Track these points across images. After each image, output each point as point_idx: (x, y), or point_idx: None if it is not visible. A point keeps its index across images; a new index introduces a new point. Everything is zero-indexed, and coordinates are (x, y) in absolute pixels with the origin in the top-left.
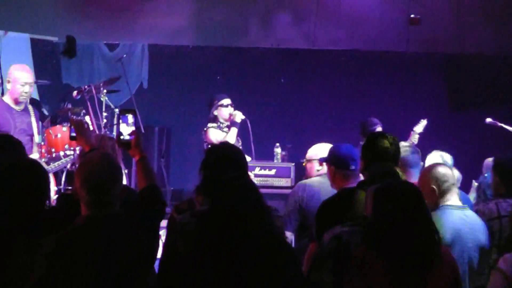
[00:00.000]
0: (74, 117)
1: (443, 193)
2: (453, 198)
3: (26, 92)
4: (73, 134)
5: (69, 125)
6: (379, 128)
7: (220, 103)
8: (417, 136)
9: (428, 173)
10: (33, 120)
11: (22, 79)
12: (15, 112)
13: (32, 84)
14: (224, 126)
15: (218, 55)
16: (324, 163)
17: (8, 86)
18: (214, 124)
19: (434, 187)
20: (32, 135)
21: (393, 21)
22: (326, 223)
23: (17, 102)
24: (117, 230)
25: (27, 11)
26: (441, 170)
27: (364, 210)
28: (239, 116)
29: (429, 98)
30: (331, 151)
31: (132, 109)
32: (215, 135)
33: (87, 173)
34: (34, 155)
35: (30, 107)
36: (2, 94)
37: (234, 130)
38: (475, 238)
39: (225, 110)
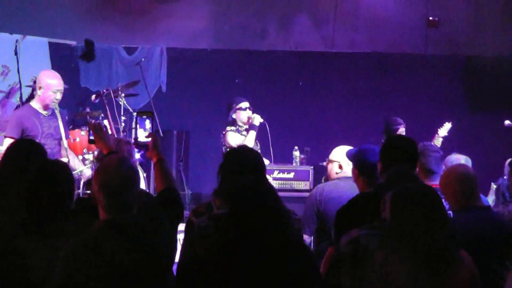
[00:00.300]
0: (93, 120)
1: (466, 194)
2: (476, 199)
3: (57, 99)
4: (92, 138)
5: (87, 129)
6: (402, 128)
7: (238, 106)
8: (440, 140)
9: (451, 174)
10: (61, 124)
11: (54, 86)
12: (42, 117)
13: (62, 91)
14: (243, 129)
15: (236, 58)
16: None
17: (39, 92)
18: (233, 128)
19: (457, 188)
20: (60, 139)
21: (412, 24)
22: (344, 227)
23: (46, 108)
24: (135, 234)
25: (45, 15)
26: (464, 171)
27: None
28: (257, 120)
29: (448, 100)
30: (357, 155)
31: (150, 112)
32: (233, 138)
33: (105, 177)
34: (64, 160)
35: (57, 112)
36: (21, 98)
37: (252, 134)
38: (499, 239)
39: (244, 113)
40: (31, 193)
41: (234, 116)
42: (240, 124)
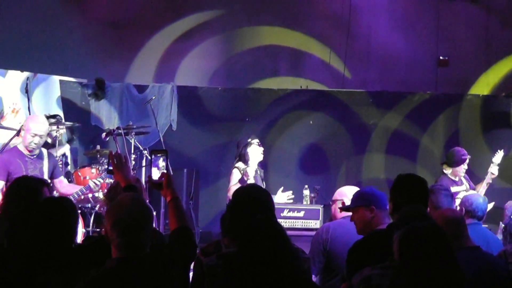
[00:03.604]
0: (114, 151)
1: (454, 236)
2: (464, 240)
3: (35, 143)
4: (110, 168)
5: (97, 166)
6: (467, 159)
7: (252, 141)
8: (496, 168)
9: (438, 218)
10: (45, 163)
11: (33, 130)
12: (27, 159)
13: (43, 136)
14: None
15: (247, 97)
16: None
17: (22, 133)
18: (241, 165)
19: (446, 231)
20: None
21: (422, 63)
22: (357, 265)
23: (28, 150)
24: (148, 273)
25: (56, 53)
26: (451, 214)
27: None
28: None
29: (460, 138)
30: (370, 194)
31: (164, 150)
32: (235, 178)
33: (118, 216)
34: None
35: (44, 152)
36: None
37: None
38: (488, 278)
39: (258, 149)
40: (34, 230)
41: (248, 150)
42: (251, 161)
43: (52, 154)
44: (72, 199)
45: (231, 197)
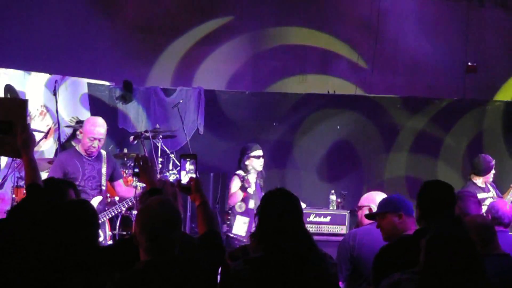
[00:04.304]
0: (141, 154)
1: (484, 242)
2: (494, 247)
3: (94, 147)
4: (136, 170)
5: (124, 169)
6: (493, 165)
7: (252, 154)
8: None
9: (469, 224)
10: (104, 166)
11: (90, 134)
12: (85, 160)
13: (102, 138)
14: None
15: (274, 101)
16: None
17: (79, 136)
18: (241, 173)
19: (475, 237)
20: (101, 182)
21: (450, 69)
22: (383, 270)
23: (86, 153)
24: (176, 276)
25: (84, 56)
26: (481, 221)
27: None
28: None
29: (487, 145)
30: (399, 200)
31: (193, 154)
32: (234, 185)
33: (147, 220)
34: (97, 198)
35: (104, 154)
36: (59, 138)
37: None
38: None
39: (257, 161)
40: (55, 232)
41: (247, 163)
42: (252, 171)
43: (111, 156)
44: (129, 202)
45: (231, 205)
